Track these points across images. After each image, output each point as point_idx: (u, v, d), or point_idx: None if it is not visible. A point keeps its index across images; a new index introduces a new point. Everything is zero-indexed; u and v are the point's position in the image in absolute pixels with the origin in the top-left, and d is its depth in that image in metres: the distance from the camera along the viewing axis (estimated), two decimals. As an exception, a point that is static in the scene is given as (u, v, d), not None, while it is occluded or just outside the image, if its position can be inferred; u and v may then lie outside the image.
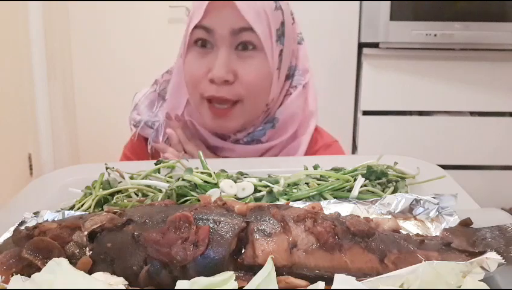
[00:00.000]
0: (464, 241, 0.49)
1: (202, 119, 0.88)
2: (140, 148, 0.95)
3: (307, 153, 0.92)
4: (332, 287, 0.42)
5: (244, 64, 0.82)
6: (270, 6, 0.83)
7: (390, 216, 0.56)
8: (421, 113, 2.31)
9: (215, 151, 0.90)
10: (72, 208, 0.66)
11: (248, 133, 0.89)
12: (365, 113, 2.28)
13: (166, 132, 0.90)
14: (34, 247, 0.47)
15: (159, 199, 0.64)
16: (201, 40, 0.83)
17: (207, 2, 0.80)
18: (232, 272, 0.42)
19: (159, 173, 0.73)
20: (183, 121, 0.91)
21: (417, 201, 0.57)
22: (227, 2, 0.79)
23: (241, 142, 0.90)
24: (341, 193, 0.65)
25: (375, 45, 2.20)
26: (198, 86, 0.84)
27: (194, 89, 0.85)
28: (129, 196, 0.68)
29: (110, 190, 0.68)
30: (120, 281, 0.45)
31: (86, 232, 0.48)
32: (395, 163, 0.72)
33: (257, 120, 0.89)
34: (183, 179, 0.67)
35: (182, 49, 0.88)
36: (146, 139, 0.94)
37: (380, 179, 0.68)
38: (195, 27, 0.82)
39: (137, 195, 0.68)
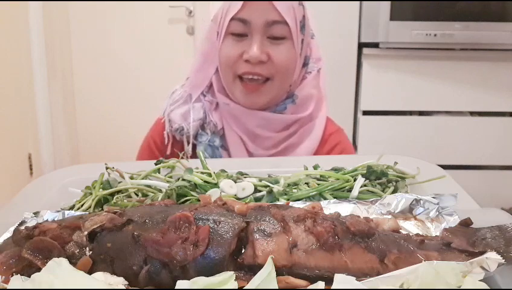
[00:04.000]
0: (464, 241, 0.49)
1: (235, 96, 0.99)
2: (161, 139, 1.04)
3: (322, 135, 1.03)
4: (332, 287, 0.42)
5: (275, 48, 0.95)
6: (296, 2, 0.96)
7: (390, 216, 0.56)
8: (421, 113, 2.31)
9: (242, 121, 1.00)
10: (72, 208, 0.66)
11: (270, 109, 1.00)
12: (365, 113, 2.28)
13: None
14: (34, 247, 0.47)
15: (159, 199, 0.64)
16: (237, 31, 0.95)
17: None
18: (232, 272, 0.42)
19: (159, 173, 0.73)
20: None
21: (417, 201, 0.57)
22: None
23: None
24: (341, 193, 0.65)
25: (375, 45, 2.19)
26: (233, 65, 0.96)
27: (229, 69, 0.97)
28: (129, 196, 0.68)
29: (110, 190, 0.68)
30: (120, 281, 0.45)
31: (86, 232, 0.48)
32: (395, 163, 0.72)
33: (280, 98, 1.00)
34: (183, 179, 0.67)
35: (216, 37, 0.99)
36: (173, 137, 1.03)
37: (380, 179, 0.68)
38: (232, 19, 0.94)
39: (137, 195, 0.68)
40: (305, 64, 1.03)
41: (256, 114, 0.99)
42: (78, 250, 0.47)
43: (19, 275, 0.46)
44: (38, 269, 0.45)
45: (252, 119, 0.99)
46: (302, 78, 1.03)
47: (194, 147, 1.01)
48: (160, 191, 0.67)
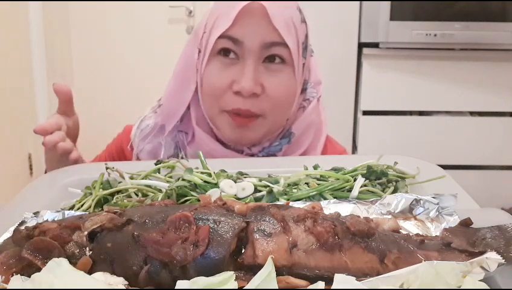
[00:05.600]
0: (464, 241, 0.49)
1: (220, 130, 0.84)
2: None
3: None
4: (332, 287, 0.42)
5: (271, 77, 0.79)
6: (297, 19, 0.80)
7: (390, 216, 0.56)
8: (421, 113, 2.31)
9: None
10: (72, 208, 0.66)
11: (263, 147, 0.86)
12: (365, 113, 2.28)
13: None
14: (34, 247, 0.47)
15: (159, 199, 0.64)
16: (226, 50, 0.79)
17: (236, 10, 0.76)
18: (232, 272, 0.42)
19: (159, 173, 0.73)
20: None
21: (417, 201, 0.57)
22: (259, 11, 0.76)
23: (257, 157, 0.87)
24: (341, 193, 0.65)
25: (375, 45, 2.20)
26: (220, 98, 0.80)
27: (214, 101, 0.81)
28: (129, 196, 0.68)
29: (110, 190, 0.68)
30: (120, 281, 0.45)
31: (86, 232, 0.48)
32: (395, 163, 0.72)
33: (275, 133, 0.86)
34: (183, 179, 0.67)
35: (197, 55, 0.84)
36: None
37: (380, 179, 0.68)
38: (221, 36, 0.78)
39: (137, 195, 0.68)
40: (303, 89, 0.87)
41: (245, 160, 0.83)
42: (78, 250, 0.47)
43: (19, 275, 0.46)
44: (38, 269, 0.45)
45: (240, 163, 0.82)
46: (299, 106, 0.87)
47: None
48: (160, 191, 0.67)
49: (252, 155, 0.86)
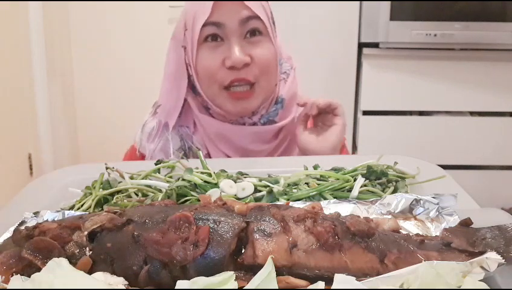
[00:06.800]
0: (463, 241, 0.49)
1: (223, 107, 0.92)
2: None
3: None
4: (332, 287, 0.42)
5: (255, 48, 0.90)
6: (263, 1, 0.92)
7: (390, 216, 0.56)
8: (421, 113, 2.31)
9: (231, 140, 0.95)
10: (72, 208, 0.66)
11: (261, 115, 0.95)
12: (365, 113, 2.28)
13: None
14: (34, 247, 0.47)
15: (159, 199, 0.64)
16: (212, 36, 0.89)
17: (212, 1, 0.87)
18: (232, 272, 0.42)
19: (159, 173, 0.73)
20: None
21: (417, 201, 0.57)
22: None
23: (259, 125, 0.97)
24: (341, 193, 0.65)
25: (375, 45, 2.19)
26: (216, 76, 0.90)
27: (212, 81, 0.90)
28: (129, 196, 0.68)
29: (110, 190, 0.68)
30: (120, 281, 0.45)
31: (86, 232, 0.48)
32: (395, 163, 0.72)
33: (270, 100, 0.96)
34: (183, 179, 0.67)
35: (183, 52, 0.93)
36: None
37: (380, 179, 0.68)
38: (204, 25, 0.88)
39: (137, 195, 0.68)
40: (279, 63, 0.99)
41: (247, 130, 0.94)
42: (78, 250, 0.47)
43: (18, 275, 0.46)
44: (38, 269, 0.45)
45: (243, 136, 0.94)
46: (279, 78, 0.98)
47: None
48: (160, 191, 0.67)
49: (254, 124, 0.96)
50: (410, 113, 2.31)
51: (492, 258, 0.43)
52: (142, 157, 0.98)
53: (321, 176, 0.69)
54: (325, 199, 0.63)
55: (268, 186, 0.66)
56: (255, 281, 0.41)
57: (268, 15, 0.92)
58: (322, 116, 0.96)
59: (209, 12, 0.87)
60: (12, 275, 0.46)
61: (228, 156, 0.94)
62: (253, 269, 0.43)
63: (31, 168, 2.63)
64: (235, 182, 0.67)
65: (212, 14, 0.87)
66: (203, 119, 0.95)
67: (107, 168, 0.72)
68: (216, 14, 0.88)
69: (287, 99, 0.97)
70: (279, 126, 0.96)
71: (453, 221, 0.54)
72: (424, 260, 0.45)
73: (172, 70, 0.96)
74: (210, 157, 0.95)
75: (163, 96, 0.98)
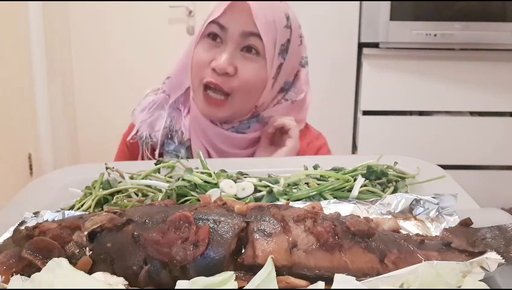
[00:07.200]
0: (463, 241, 0.49)
1: (198, 104, 0.96)
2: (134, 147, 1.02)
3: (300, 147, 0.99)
4: (332, 287, 0.42)
5: (245, 63, 0.91)
6: (280, 22, 0.92)
7: (390, 216, 0.56)
8: (421, 113, 2.31)
9: (207, 134, 0.98)
10: (72, 208, 0.66)
11: (232, 126, 0.97)
12: (365, 113, 2.28)
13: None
14: (34, 247, 0.47)
15: (159, 199, 0.64)
16: (213, 34, 0.93)
17: (228, 2, 0.90)
18: (232, 272, 0.42)
19: (159, 173, 0.73)
20: None
21: (417, 201, 0.57)
22: (245, 7, 0.89)
23: (229, 132, 0.98)
24: (341, 193, 0.65)
25: (375, 45, 2.19)
26: (200, 71, 0.93)
27: (196, 74, 0.94)
28: (129, 196, 0.68)
29: (110, 190, 0.68)
30: (120, 281, 0.45)
31: (86, 232, 0.48)
32: (395, 163, 0.72)
33: (243, 117, 0.97)
34: (183, 179, 0.67)
35: (196, 37, 0.97)
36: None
37: (380, 179, 0.68)
38: (211, 22, 0.92)
39: (137, 195, 0.68)
40: (283, 90, 0.99)
41: (218, 130, 0.96)
42: (78, 250, 0.47)
43: (18, 275, 0.46)
44: (38, 269, 0.45)
45: (216, 134, 0.96)
46: (276, 103, 0.99)
47: (161, 155, 0.98)
48: (160, 191, 0.67)
49: (227, 129, 0.98)
50: (410, 113, 2.31)
51: (492, 258, 0.43)
52: (131, 145, 1.01)
53: (321, 176, 0.69)
54: (325, 199, 0.63)
55: (268, 186, 0.66)
56: (255, 281, 0.41)
57: (278, 40, 0.92)
58: (278, 136, 0.97)
59: (221, 13, 0.90)
60: (12, 275, 0.46)
61: (207, 150, 0.97)
62: (253, 269, 0.43)
63: (31, 168, 2.63)
64: (235, 182, 0.67)
65: (222, 15, 0.90)
66: (193, 108, 0.98)
67: (107, 168, 0.72)
68: (225, 17, 0.91)
69: (265, 116, 0.97)
70: (254, 136, 0.98)
71: (453, 221, 0.54)
72: (424, 260, 0.45)
73: (188, 48, 1.00)
74: (190, 146, 0.98)
75: (175, 70, 1.02)
